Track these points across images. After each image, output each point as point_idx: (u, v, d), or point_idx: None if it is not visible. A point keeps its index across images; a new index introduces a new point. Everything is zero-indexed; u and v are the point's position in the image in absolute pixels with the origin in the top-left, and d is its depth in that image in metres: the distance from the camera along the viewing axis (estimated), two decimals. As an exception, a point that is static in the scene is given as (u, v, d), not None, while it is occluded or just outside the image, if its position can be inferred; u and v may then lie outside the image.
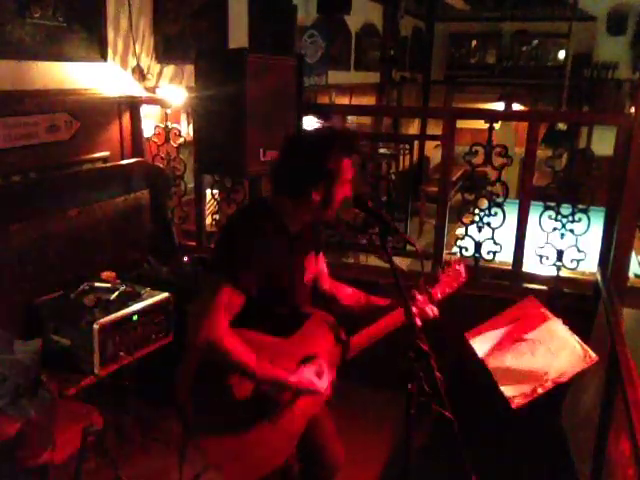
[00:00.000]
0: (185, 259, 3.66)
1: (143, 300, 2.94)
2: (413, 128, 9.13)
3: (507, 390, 2.15)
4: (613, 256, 2.99)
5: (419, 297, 1.94)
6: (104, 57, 3.39)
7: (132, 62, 3.64)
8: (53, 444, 2.41)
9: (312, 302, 1.94)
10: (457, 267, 2.14)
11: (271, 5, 5.05)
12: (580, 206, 3.11)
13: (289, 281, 1.80)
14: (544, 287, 3.19)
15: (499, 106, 8.38)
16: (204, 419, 1.65)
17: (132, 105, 3.65)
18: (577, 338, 2.28)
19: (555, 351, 2.25)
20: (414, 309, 1.81)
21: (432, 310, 1.96)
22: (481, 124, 3.25)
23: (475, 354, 2.38)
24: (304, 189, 1.71)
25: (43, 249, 2.93)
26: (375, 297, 2.06)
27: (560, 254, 3.16)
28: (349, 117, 4.88)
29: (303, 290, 1.89)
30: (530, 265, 3.25)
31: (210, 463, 1.70)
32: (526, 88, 9.01)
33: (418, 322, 1.77)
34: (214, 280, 1.63)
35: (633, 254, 3.04)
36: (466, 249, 3.34)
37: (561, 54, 8.77)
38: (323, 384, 1.74)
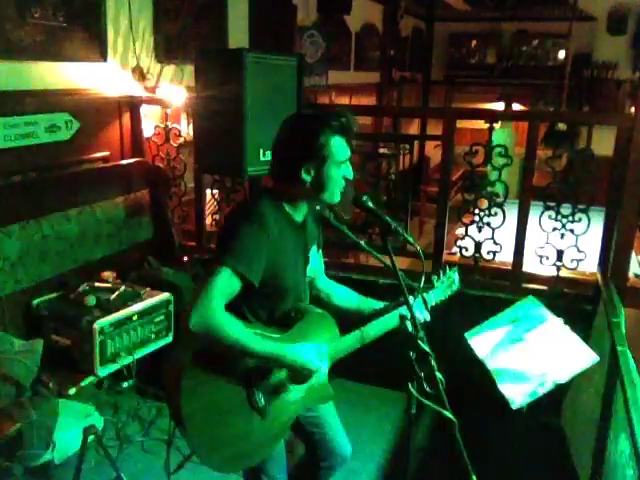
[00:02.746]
0: (185, 259, 3.66)
1: (143, 300, 2.95)
2: (413, 128, 9.12)
3: (507, 390, 2.15)
4: (613, 256, 3.00)
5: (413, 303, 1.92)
6: (104, 57, 3.39)
7: (132, 62, 3.64)
8: (53, 444, 2.42)
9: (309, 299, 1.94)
10: (451, 275, 2.13)
11: (271, 5, 5.05)
12: (580, 206, 3.11)
13: (292, 273, 1.77)
14: (544, 287, 3.19)
15: (499, 106, 8.38)
16: (193, 407, 1.64)
17: (132, 105, 3.65)
18: (577, 338, 2.28)
19: (555, 351, 2.25)
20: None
21: (424, 316, 1.94)
22: (481, 124, 3.25)
23: (475, 354, 2.38)
24: (293, 169, 1.67)
25: (43, 249, 2.93)
26: (369, 299, 2.04)
27: (560, 254, 3.16)
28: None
29: (304, 284, 1.88)
30: (530, 265, 3.25)
31: (196, 451, 1.68)
32: (526, 88, 9.00)
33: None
34: (214, 265, 1.60)
35: (633, 254, 3.04)
36: (466, 249, 3.34)
37: (561, 54, 8.77)
38: (321, 365, 1.72)
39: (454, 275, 2.14)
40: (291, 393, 1.78)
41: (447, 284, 2.10)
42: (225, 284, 1.57)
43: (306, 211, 1.80)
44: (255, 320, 1.74)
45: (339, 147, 1.69)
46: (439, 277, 2.09)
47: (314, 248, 1.90)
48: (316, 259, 1.93)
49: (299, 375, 1.73)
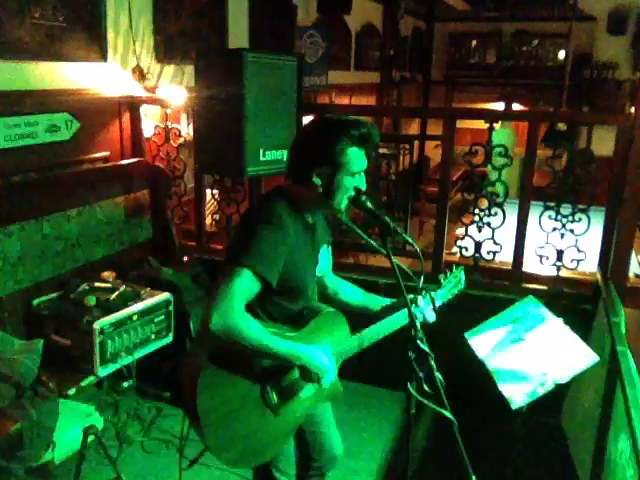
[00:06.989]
0: (185, 259, 3.66)
1: (143, 300, 2.95)
2: (413, 128, 9.12)
3: (507, 390, 2.15)
4: (613, 256, 3.00)
5: (421, 302, 1.93)
6: (104, 57, 3.39)
7: (132, 62, 3.64)
8: (53, 444, 2.42)
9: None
10: (458, 274, 2.13)
11: (271, 5, 5.05)
12: (580, 206, 3.11)
13: (305, 273, 1.78)
14: (544, 287, 3.19)
15: (499, 106, 8.38)
16: (208, 404, 1.64)
17: (132, 105, 3.65)
18: (577, 338, 2.28)
19: (555, 351, 2.25)
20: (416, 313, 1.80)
21: (431, 316, 1.95)
22: (481, 124, 3.25)
23: (475, 354, 2.38)
24: (305, 171, 1.68)
25: (43, 249, 2.93)
26: (375, 296, 2.05)
27: (560, 254, 3.16)
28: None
29: (314, 283, 1.88)
30: (530, 265, 3.25)
31: (210, 448, 1.68)
32: (526, 88, 9.00)
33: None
34: (232, 266, 1.60)
35: (633, 254, 3.04)
36: (466, 249, 3.34)
37: (561, 54, 8.77)
38: (331, 366, 1.73)
39: (460, 274, 2.14)
40: (303, 390, 1.79)
41: (454, 283, 2.11)
42: (245, 286, 1.57)
43: (317, 212, 1.81)
44: (268, 319, 1.74)
45: (355, 157, 1.68)
46: (446, 276, 2.10)
47: (324, 246, 1.91)
48: (325, 257, 1.93)
49: (310, 375, 1.73)
